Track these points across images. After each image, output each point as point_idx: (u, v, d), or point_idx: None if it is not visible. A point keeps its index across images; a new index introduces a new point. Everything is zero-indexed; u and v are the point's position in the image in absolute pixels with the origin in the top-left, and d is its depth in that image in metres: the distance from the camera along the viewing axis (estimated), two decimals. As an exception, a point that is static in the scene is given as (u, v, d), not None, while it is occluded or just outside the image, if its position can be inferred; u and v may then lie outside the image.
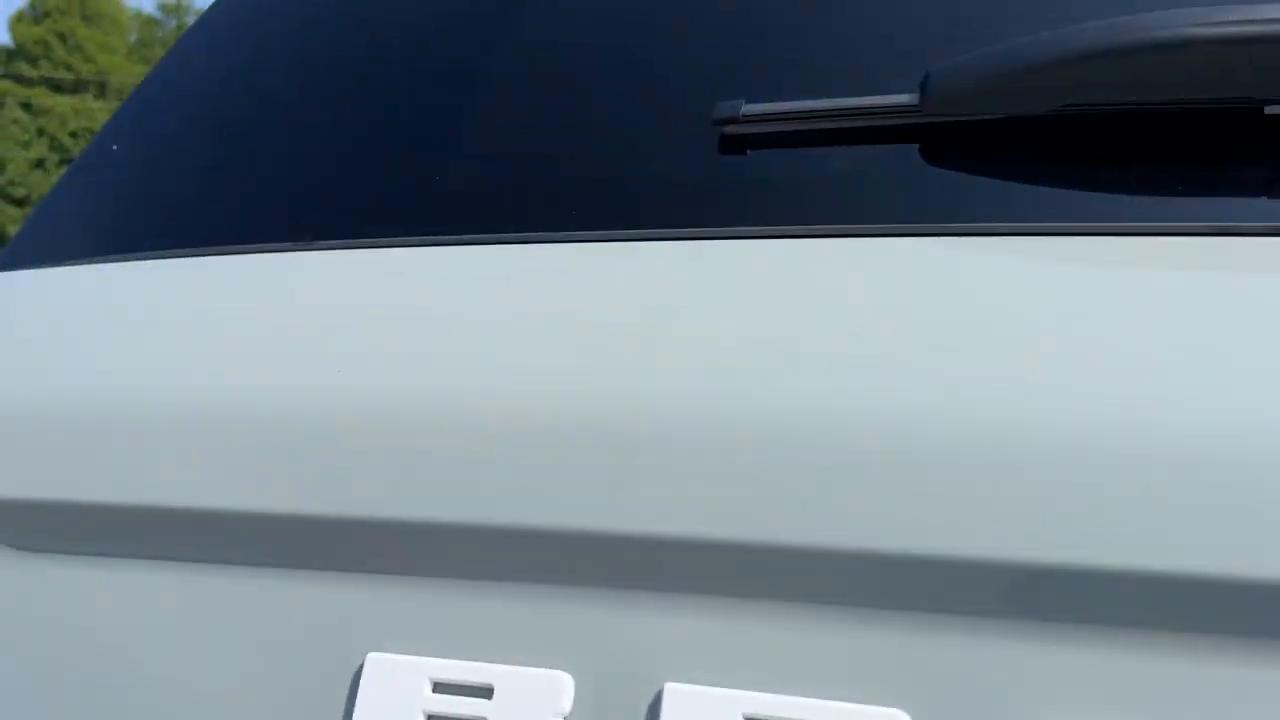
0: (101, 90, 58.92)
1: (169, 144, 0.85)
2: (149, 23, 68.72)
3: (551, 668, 0.57)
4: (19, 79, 58.02)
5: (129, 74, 60.10)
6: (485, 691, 0.59)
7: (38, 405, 0.70)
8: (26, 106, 54.77)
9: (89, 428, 0.67)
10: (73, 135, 51.82)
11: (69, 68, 59.47)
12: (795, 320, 0.57)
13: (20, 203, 46.47)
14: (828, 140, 0.62)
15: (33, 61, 59.01)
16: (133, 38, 65.79)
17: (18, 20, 60.88)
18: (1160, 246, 0.55)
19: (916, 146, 0.59)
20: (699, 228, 0.62)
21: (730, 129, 0.64)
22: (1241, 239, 0.54)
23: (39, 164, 49.41)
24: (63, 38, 60.17)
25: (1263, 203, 0.55)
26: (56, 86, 58.20)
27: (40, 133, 51.27)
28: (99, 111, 55.14)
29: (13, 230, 47.20)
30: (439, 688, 0.60)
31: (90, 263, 0.72)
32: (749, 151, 0.63)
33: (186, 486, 0.63)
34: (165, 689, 0.60)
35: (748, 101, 0.64)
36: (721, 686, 0.52)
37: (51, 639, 0.63)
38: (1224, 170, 0.56)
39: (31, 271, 0.75)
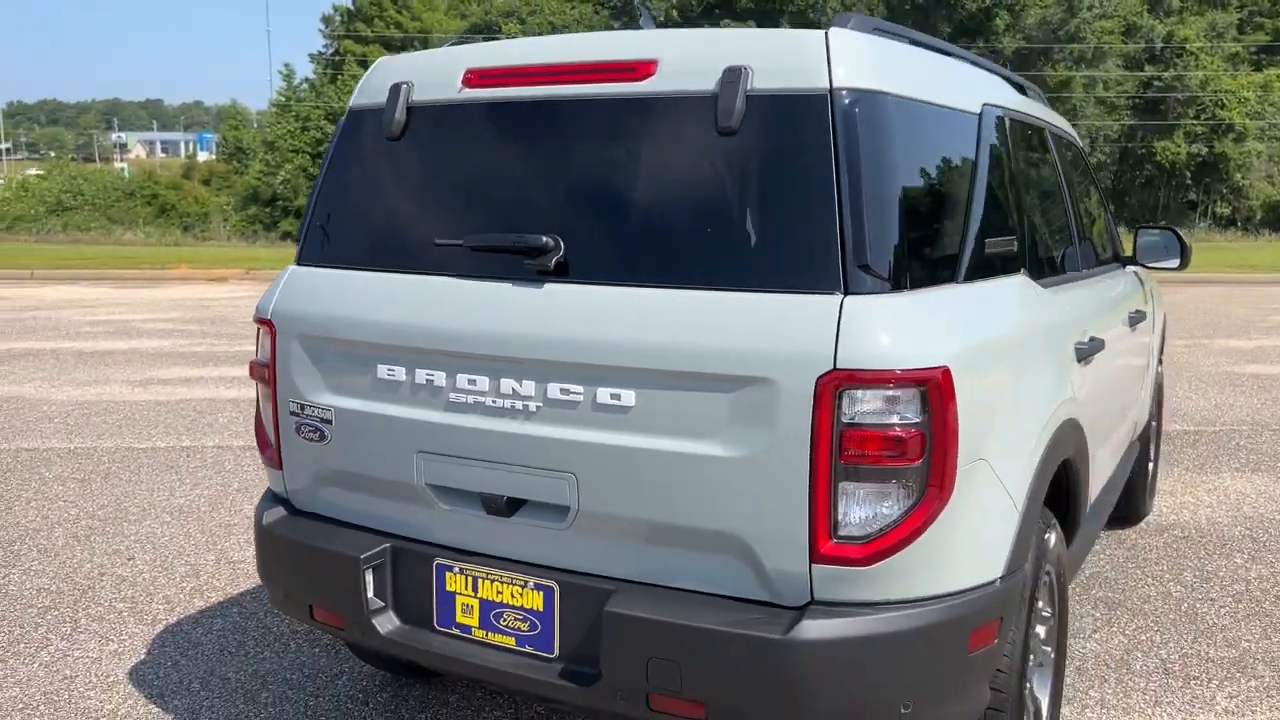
0: (425, 44, 65.13)
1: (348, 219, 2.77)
2: (465, -22, 74.77)
3: None
4: (357, 38, 65.27)
5: (447, 28, 66.05)
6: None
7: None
8: (363, 63, 61.73)
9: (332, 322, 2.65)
10: (400, 88, 57.83)
11: (398, 25, 66.10)
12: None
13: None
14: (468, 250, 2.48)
15: (368, 21, 66.10)
16: (451, -7, 72.03)
17: (357, -16, 68.30)
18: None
19: (462, 251, 2.43)
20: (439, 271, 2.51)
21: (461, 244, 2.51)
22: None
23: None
24: (393, -2, 66.99)
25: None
26: (388, 43, 65.02)
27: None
28: (422, 66, 61.10)
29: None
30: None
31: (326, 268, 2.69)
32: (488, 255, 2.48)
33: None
34: None
35: (468, 235, 2.49)
36: None
37: None
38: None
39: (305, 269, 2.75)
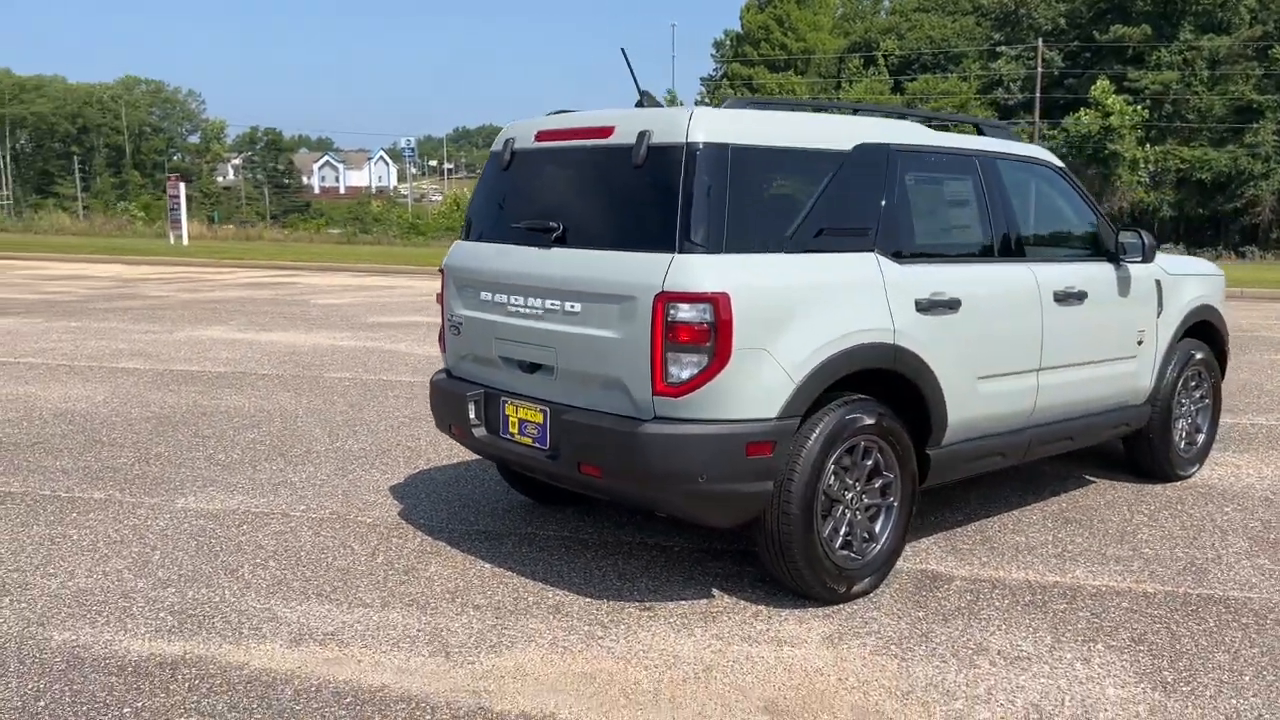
0: (807, 65, 67.67)
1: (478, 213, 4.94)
2: (852, -3, 76.64)
3: None
4: (744, 60, 69.13)
5: (829, 47, 68.18)
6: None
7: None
8: (749, 85, 65.38)
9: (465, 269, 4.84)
10: (777, 108, 60.73)
11: (783, 47, 69.14)
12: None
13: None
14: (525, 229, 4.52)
15: (755, 45, 69.75)
16: (838, 13, 74.13)
17: (747, 9, 72.29)
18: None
19: (522, 229, 4.43)
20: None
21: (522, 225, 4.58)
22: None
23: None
24: (780, 21, 70.15)
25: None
26: (772, 65, 68.26)
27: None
28: (798, 86, 63.87)
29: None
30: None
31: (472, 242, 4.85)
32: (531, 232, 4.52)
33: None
34: None
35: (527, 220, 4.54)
36: None
37: None
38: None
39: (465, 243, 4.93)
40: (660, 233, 3.94)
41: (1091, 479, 6.22)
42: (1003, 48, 58.05)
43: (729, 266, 3.91)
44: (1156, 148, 51.31)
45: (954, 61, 59.36)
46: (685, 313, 3.83)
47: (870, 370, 4.27)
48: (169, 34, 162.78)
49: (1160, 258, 5.97)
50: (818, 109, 4.78)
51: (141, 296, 16.43)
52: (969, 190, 4.90)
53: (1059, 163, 5.51)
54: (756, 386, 3.93)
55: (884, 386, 4.37)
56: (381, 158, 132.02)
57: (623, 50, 4.56)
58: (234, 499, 5.66)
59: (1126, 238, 5.47)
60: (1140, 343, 5.66)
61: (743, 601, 4.32)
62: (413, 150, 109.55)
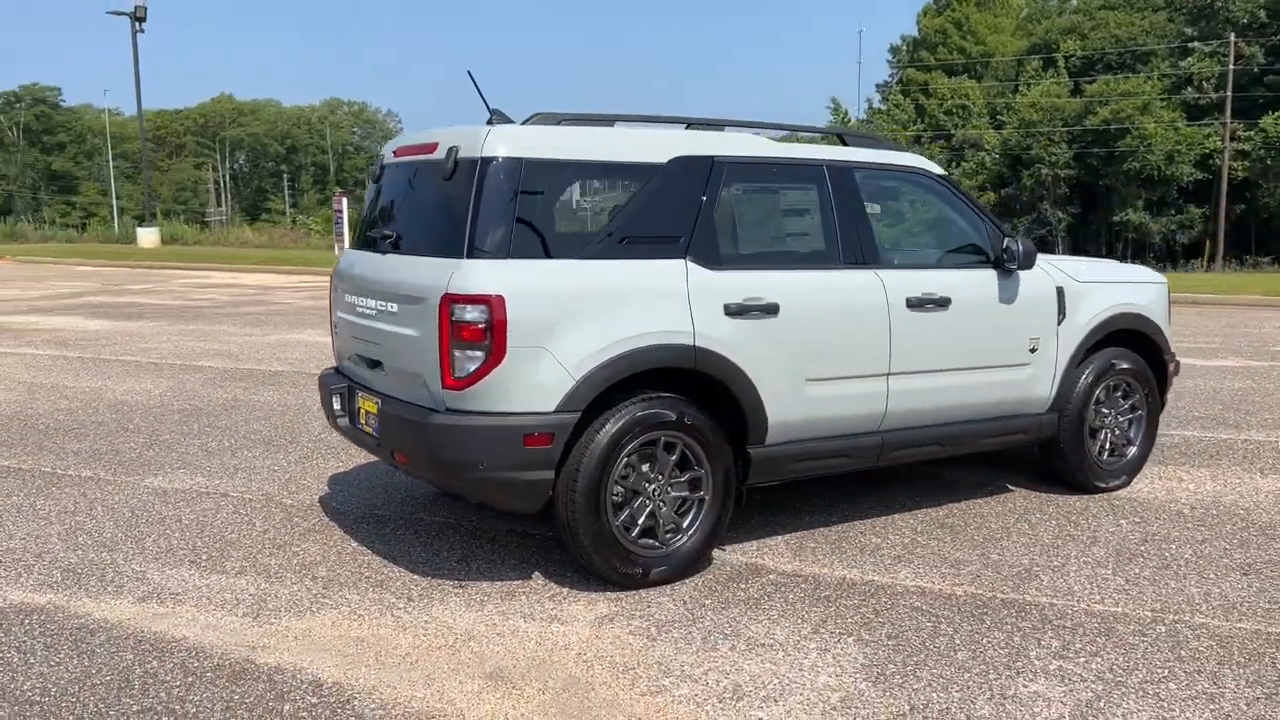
0: (985, 68, 65.51)
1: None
2: (1039, -4, 73.76)
3: None
4: (920, 66, 67.60)
5: (1009, 49, 65.78)
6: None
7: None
8: (924, 90, 63.92)
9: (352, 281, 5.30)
10: (947, 114, 59.30)
11: (961, 51, 67.24)
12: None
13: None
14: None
15: (932, 49, 68.11)
16: (1023, 14, 71.45)
17: (924, 14, 70.75)
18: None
19: (375, 236, 4.92)
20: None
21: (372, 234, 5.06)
22: None
23: (917, 140, 57.16)
24: (959, 24, 68.27)
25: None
26: (949, 69, 66.45)
27: (920, 111, 58.90)
28: (972, 90, 61.95)
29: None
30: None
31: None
32: (381, 240, 5.04)
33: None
34: None
35: (378, 229, 5.03)
36: None
37: None
38: None
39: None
40: (455, 240, 4.33)
41: (1011, 488, 6.15)
42: (1194, 44, 54.58)
43: (509, 271, 4.25)
44: (1370, 147, 47.19)
45: (1141, 60, 56.21)
46: (466, 313, 4.20)
47: (672, 370, 4.51)
48: (370, 57, 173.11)
49: (1069, 263, 5.88)
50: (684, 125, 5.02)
51: (267, 303, 17.88)
52: (812, 199, 5.03)
53: (939, 170, 5.52)
54: (533, 382, 4.25)
55: (695, 386, 4.59)
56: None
57: (469, 72, 4.93)
58: (194, 479, 6.37)
59: (1010, 245, 5.43)
60: (1034, 350, 5.59)
61: (553, 584, 4.63)
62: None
